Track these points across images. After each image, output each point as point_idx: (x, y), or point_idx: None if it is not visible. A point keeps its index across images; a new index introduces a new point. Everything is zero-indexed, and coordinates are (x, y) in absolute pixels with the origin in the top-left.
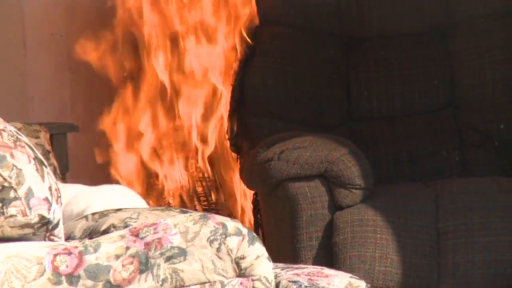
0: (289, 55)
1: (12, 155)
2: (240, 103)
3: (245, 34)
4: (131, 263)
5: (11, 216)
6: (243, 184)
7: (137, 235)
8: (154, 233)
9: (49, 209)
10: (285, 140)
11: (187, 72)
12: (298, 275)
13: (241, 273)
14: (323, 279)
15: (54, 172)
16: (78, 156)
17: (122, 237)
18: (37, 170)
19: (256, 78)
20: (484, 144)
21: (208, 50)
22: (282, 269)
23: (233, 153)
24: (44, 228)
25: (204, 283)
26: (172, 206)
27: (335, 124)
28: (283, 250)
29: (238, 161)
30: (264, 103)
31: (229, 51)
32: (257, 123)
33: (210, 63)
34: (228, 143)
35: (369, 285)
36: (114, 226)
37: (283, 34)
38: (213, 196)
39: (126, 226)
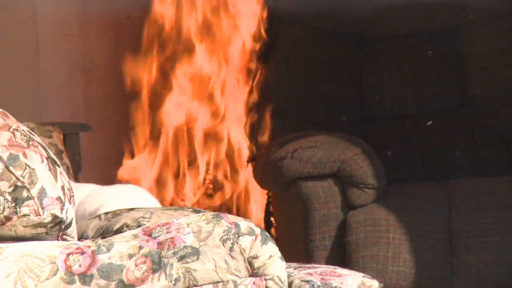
0: (302, 55)
1: (25, 155)
2: (257, 103)
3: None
4: (144, 262)
5: (24, 215)
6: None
7: (150, 235)
8: (167, 232)
9: (62, 209)
10: (298, 139)
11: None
12: (311, 274)
13: (254, 272)
14: (336, 278)
15: (67, 172)
16: (91, 155)
17: (135, 236)
18: (50, 169)
19: (270, 78)
20: (496, 144)
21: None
22: (295, 269)
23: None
24: (57, 227)
25: (217, 282)
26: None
27: (347, 124)
28: (296, 250)
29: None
30: (277, 102)
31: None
32: (270, 122)
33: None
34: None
35: (382, 285)
36: (127, 226)
37: (296, 35)
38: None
39: (139, 226)
